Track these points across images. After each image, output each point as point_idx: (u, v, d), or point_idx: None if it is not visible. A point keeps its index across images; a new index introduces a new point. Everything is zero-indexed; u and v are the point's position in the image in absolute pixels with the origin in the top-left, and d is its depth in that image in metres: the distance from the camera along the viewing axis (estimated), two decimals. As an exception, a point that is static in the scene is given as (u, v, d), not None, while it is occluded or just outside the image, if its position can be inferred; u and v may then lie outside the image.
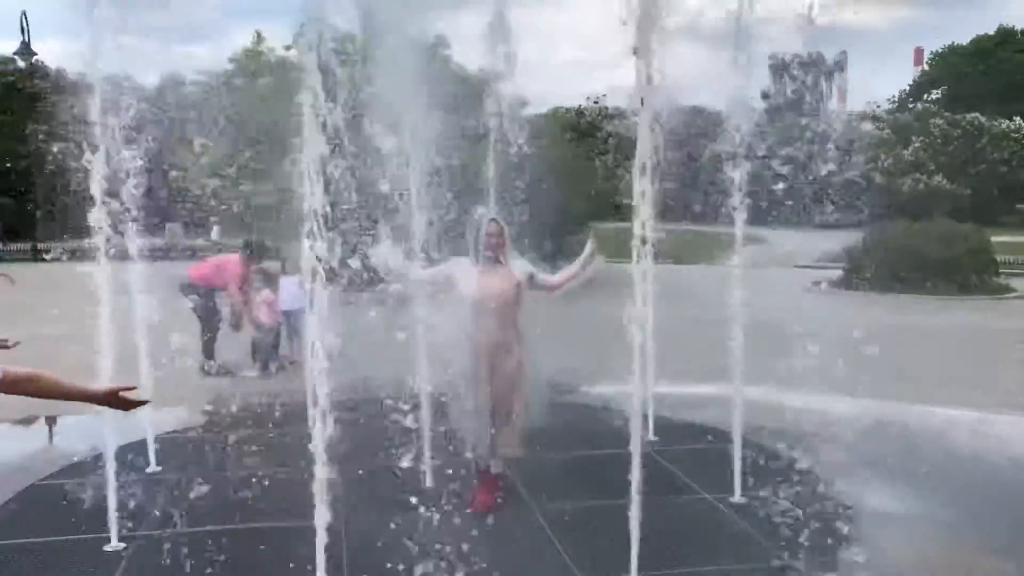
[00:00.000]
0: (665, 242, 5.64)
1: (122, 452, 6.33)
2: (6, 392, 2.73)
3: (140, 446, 6.52)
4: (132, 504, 5.39)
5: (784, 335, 6.58)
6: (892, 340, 12.60)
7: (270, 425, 7.45)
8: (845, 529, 5.15)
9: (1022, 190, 46.46)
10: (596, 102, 61.15)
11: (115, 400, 2.95)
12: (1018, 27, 68.08)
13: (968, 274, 18.30)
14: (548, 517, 5.45)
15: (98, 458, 5.65)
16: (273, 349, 10.31)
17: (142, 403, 3.06)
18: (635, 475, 4.72)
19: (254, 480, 5.99)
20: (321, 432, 4.21)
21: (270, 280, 10.35)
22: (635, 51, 4.88)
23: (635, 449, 4.69)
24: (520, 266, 5.56)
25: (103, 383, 3.26)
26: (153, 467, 6.40)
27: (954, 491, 6.03)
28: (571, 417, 7.85)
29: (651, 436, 6.91)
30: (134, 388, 3.00)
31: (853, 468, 6.31)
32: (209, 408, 8.43)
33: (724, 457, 5.86)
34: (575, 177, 21.13)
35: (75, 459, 6.54)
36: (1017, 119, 47.63)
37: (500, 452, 5.55)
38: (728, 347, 5.87)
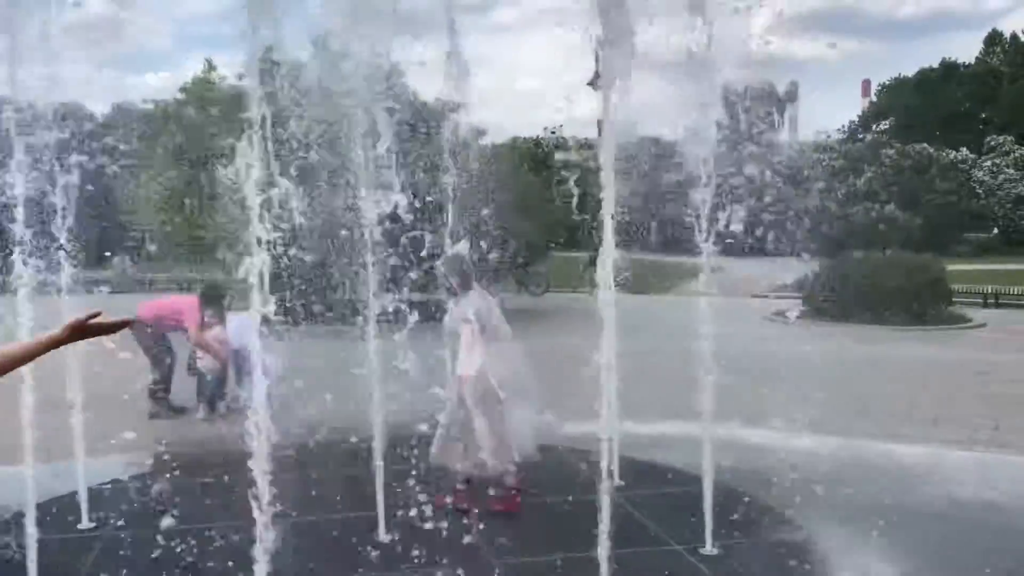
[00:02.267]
0: (623, 271, 5.45)
1: (52, 506, 5.94)
2: None
3: (72, 499, 6.08)
4: (58, 569, 4.97)
5: (747, 369, 6.40)
6: (855, 373, 12.54)
7: (215, 472, 7.04)
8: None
9: (970, 219, 47.41)
10: (553, 132, 61.47)
11: (89, 331, 2.63)
12: (960, 60, 70.12)
13: (925, 304, 18.39)
14: (508, 573, 5.14)
15: (24, 514, 5.24)
16: (221, 389, 9.88)
17: (124, 323, 2.75)
18: (604, 527, 4.49)
19: (196, 536, 5.61)
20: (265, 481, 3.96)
21: (220, 317, 9.92)
22: (592, 83, 4.74)
23: (603, 499, 4.46)
24: (475, 301, 5.88)
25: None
26: (86, 523, 5.95)
27: (934, 539, 5.83)
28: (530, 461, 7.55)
29: (616, 480, 6.62)
30: (99, 313, 2.66)
31: (827, 515, 6.10)
32: (152, 454, 7.99)
33: (693, 502, 5.61)
34: (533, 207, 21.00)
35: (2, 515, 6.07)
36: (964, 150, 48.70)
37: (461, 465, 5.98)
38: (691, 381, 5.66)
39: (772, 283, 26.47)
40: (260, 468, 4.01)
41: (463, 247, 6.10)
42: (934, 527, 6.00)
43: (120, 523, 5.88)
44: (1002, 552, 5.54)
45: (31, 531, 4.78)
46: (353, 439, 6.03)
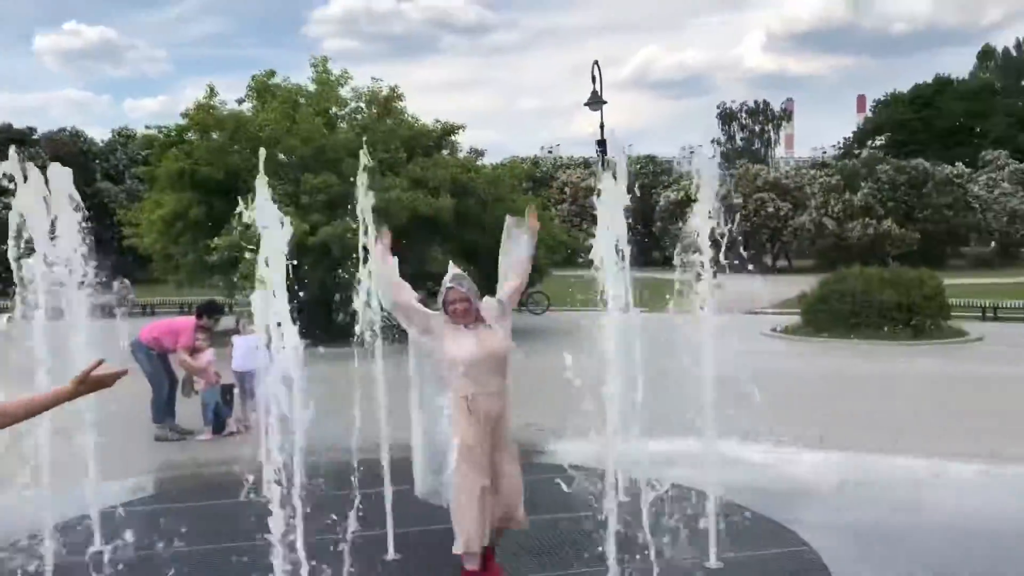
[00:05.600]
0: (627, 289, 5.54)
1: (65, 529, 6.00)
2: None
3: (83, 521, 6.14)
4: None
5: (745, 385, 6.47)
6: (855, 388, 12.63)
7: (222, 494, 7.12)
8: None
9: (966, 234, 47.55)
10: (550, 151, 61.86)
11: (91, 385, 2.85)
12: (954, 76, 70.59)
13: (924, 319, 18.48)
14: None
15: (37, 537, 5.33)
16: (227, 409, 9.94)
17: (121, 373, 2.92)
18: (610, 544, 4.58)
19: (204, 557, 5.68)
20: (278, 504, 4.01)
21: (212, 337, 9.99)
22: (591, 103, 4.86)
23: (610, 514, 4.55)
24: (492, 311, 5.14)
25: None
26: (97, 545, 6.01)
27: (936, 552, 5.91)
28: (536, 478, 7.62)
29: (621, 497, 6.70)
30: (101, 362, 2.89)
31: (835, 529, 6.21)
32: (158, 477, 8.07)
33: (697, 518, 5.68)
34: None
35: (13, 539, 6.12)
36: (959, 164, 48.90)
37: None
38: (689, 398, 5.75)
39: (770, 299, 26.58)
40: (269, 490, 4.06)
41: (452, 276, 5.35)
42: (936, 541, 6.08)
43: (129, 545, 5.94)
44: (1007, 563, 5.63)
45: (47, 554, 4.84)
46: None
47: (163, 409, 9.70)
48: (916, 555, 5.76)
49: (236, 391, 10.05)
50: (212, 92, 20.28)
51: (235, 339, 10.05)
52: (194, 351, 9.70)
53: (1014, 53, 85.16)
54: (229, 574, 5.39)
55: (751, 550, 5.75)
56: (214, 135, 18.93)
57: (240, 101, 20.88)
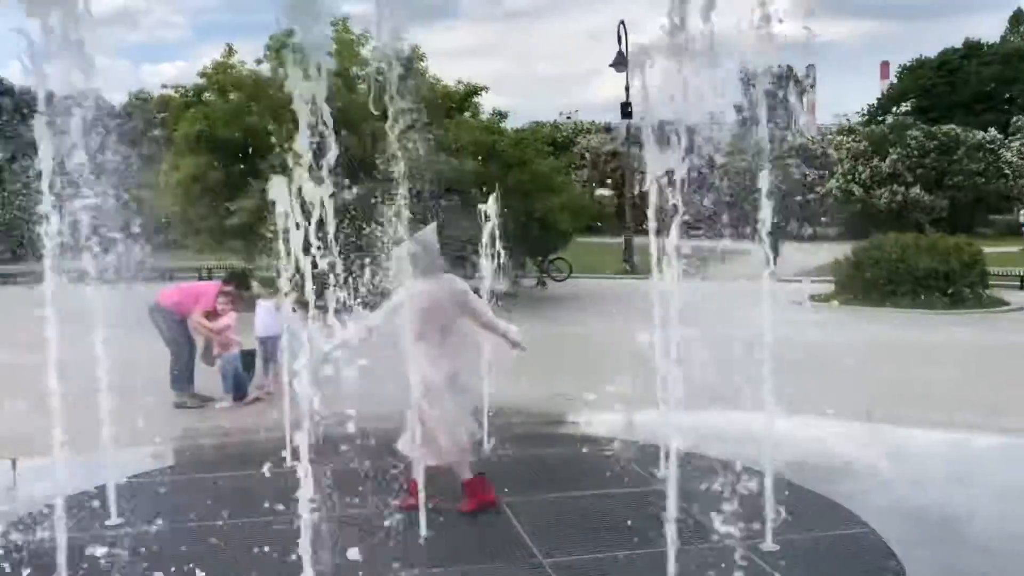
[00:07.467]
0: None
1: (79, 501, 5.71)
2: None
3: (100, 493, 5.84)
4: (85, 566, 4.73)
5: (782, 355, 6.10)
6: (895, 358, 12.18)
7: (243, 465, 6.81)
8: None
9: (997, 201, 46.55)
10: (569, 117, 61.06)
11: None
12: (984, 40, 68.92)
13: (961, 287, 17.89)
14: (560, 572, 4.87)
15: (52, 509, 5.01)
16: (247, 376, 9.63)
17: None
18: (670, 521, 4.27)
19: (225, 532, 5.38)
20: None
21: (237, 303, 9.63)
22: (616, 64, 4.49)
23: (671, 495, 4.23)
24: (432, 289, 5.62)
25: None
26: (114, 519, 5.70)
27: (1004, 533, 5.52)
28: (570, 452, 7.29)
29: (662, 473, 6.33)
30: None
31: (893, 508, 5.83)
32: (177, 447, 7.77)
33: (749, 497, 5.30)
34: (557, 192, 20.65)
35: (29, 510, 5.84)
36: (992, 130, 47.68)
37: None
38: (729, 370, 5.39)
39: (801, 267, 26.02)
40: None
41: (431, 230, 5.83)
42: (997, 520, 5.69)
43: (148, 519, 5.64)
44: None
45: (59, 527, 4.54)
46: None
47: (182, 375, 9.39)
48: (979, 538, 5.38)
49: (259, 356, 9.76)
50: (231, 51, 19.80)
51: (259, 303, 9.73)
52: (213, 315, 9.38)
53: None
54: (252, 548, 5.05)
55: (807, 531, 5.38)
56: (232, 96, 18.48)
57: (259, 61, 20.39)
